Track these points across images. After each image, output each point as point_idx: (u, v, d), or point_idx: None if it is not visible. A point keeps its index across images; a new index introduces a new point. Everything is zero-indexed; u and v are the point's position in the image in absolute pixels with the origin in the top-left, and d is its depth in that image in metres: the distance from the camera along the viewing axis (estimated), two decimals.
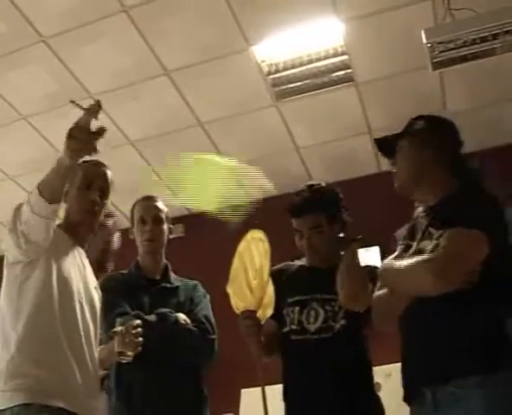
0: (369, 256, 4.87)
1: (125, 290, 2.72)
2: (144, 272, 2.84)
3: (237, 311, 2.41)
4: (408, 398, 1.97)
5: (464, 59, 3.50)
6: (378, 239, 4.89)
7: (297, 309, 2.42)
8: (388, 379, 3.63)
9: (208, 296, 2.87)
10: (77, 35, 3.96)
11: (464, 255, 1.84)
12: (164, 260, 2.90)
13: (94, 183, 2.32)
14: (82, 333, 2.14)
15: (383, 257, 5.15)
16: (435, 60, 3.51)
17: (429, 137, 2.11)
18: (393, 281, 2.01)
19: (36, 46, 4.03)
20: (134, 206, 2.92)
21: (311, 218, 2.50)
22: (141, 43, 4.04)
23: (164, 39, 4.05)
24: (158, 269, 2.85)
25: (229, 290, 2.45)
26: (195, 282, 2.92)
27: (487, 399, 1.75)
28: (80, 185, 2.30)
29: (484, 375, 1.77)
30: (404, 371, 1.99)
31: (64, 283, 2.14)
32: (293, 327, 2.41)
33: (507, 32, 3.33)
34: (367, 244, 2.54)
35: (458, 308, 1.84)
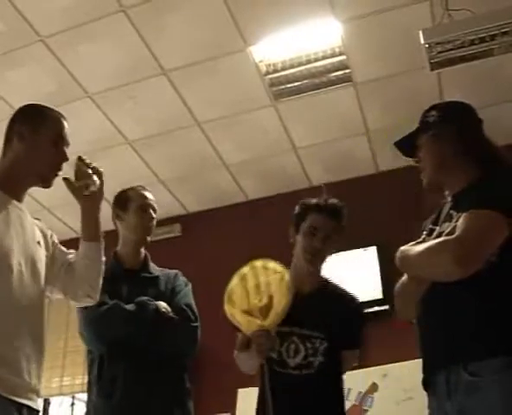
0: (367, 256, 4.91)
1: (103, 280, 2.70)
2: (124, 263, 2.81)
3: (247, 332, 2.39)
4: (424, 385, 1.92)
5: (462, 59, 3.50)
6: (375, 239, 4.91)
7: (277, 341, 2.41)
8: (384, 379, 3.63)
9: (189, 285, 2.85)
10: (75, 34, 3.95)
11: (481, 235, 1.78)
12: (144, 251, 2.87)
13: (65, 140, 2.19)
14: (18, 307, 1.94)
15: (380, 257, 5.17)
16: (433, 61, 3.51)
17: (446, 128, 2.05)
18: (411, 266, 1.96)
19: (34, 45, 4.02)
20: (127, 192, 2.86)
21: (334, 224, 2.53)
22: (139, 43, 4.04)
23: (162, 39, 4.05)
24: (138, 260, 2.83)
25: (237, 315, 2.43)
26: (176, 271, 2.89)
27: (504, 387, 1.66)
28: (51, 140, 2.16)
29: (501, 359, 1.69)
30: (422, 358, 1.93)
31: None
32: (273, 355, 2.41)
33: (504, 33, 3.34)
34: None
35: (475, 290, 1.77)
